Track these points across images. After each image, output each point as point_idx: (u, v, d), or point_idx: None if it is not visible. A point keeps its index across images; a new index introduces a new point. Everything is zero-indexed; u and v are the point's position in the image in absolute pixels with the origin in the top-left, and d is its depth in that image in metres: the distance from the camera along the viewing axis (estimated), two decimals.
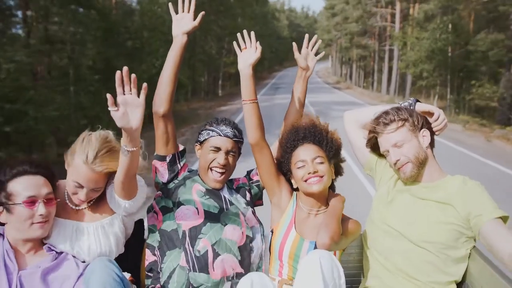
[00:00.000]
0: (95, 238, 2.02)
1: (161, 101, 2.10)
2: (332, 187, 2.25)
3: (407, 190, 2.12)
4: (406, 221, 2.05)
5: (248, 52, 2.16)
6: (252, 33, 2.18)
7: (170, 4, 2.21)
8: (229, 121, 2.25)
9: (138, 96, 1.76)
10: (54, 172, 2.00)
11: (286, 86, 35.33)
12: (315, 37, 2.39)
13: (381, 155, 2.25)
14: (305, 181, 2.08)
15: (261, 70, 52.50)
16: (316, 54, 2.34)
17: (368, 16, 35.48)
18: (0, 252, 1.85)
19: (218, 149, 2.16)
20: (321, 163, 2.10)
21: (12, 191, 1.85)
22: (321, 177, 2.07)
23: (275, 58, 70.05)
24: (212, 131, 2.19)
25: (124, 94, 1.73)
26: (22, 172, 1.87)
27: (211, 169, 2.17)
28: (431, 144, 2.12)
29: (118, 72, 1.71)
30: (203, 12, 2.15)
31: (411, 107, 2.20)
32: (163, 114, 2.10)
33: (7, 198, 1.85)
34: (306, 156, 2.11)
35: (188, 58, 23.76)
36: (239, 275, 2.04)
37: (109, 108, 1.71)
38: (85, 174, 1.91)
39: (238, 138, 2.22)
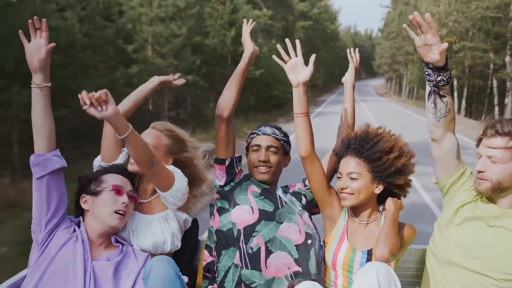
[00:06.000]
0: (151, 230, 2.13)
1: (226, 106, 2.18)
2: (384, 193, 2.09)
3: (480, 215, 1.97)
4: (474, 249, 1.93)
5: (296, 66, 2.06)
6: (297, 41, 2.12)
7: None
8: (270, 124, 2.32)
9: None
10: (134, 179, 2.20)
11: None
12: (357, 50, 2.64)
13: (460, 178, 2.07)
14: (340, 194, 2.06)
15: (331, 84, 63.69)
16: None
17: (395, 52, 51.28)
18: (79, 239, 1.92)
19: (258, 147, 2.20)
20: (355, 179, 2.01)
21: (103, 179, 2.03)
22: (351, 194, 2.01)
23: (342, 74, 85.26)
24: (253, 133, 2.27)
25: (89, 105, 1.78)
26: (113, 170, 2.11)
27: (256, 168, 2.20)
28: None
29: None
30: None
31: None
32: (227, 117, 2.18)
33: (97, 186, 2.01)
34: (343, 169, 2.06)
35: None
36: (297, 274, 2.01)
37: (83, 107, 1.77)
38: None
39: (277, 135, 2.23)
